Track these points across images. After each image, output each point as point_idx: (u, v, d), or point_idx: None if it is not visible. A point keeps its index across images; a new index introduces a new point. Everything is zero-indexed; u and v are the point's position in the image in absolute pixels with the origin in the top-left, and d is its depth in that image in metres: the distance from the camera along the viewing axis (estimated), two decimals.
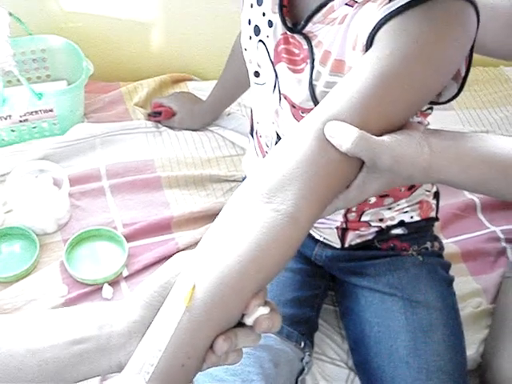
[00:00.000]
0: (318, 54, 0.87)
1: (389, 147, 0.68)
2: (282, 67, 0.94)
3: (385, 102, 0.70)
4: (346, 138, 0.67)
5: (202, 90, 1.63)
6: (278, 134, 1.03)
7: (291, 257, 0.67)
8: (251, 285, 0.62)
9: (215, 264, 0.62)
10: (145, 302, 0.64)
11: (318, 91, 0.89)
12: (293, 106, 0.95)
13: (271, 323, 0.63)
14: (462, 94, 0.85)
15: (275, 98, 0.99)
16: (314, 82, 0.89)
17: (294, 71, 0.93)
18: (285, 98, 0.96)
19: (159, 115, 1.55)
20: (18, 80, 1.46)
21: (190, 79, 1.74)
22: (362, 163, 0.70)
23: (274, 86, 0.98)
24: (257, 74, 1.02)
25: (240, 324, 0.63)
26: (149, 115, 1.57)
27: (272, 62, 0.96)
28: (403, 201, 1.08)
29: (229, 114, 1.59)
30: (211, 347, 0.61)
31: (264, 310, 0.63)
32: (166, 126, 1.56)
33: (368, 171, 0.71)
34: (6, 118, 1.40)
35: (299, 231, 0.66)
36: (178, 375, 0.61)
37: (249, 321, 0.63)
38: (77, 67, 1.49)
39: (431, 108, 0.96)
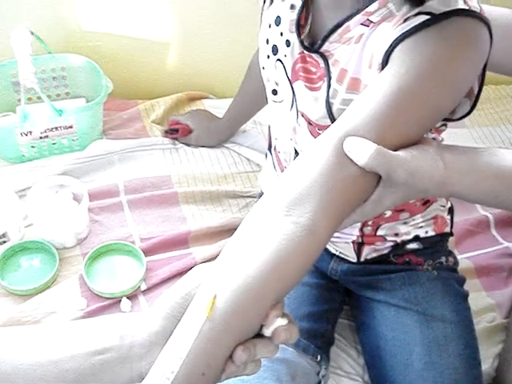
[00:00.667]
0: (335, 73, 0.89)
1: (404, 161, 0.70)
2: (300, 85, 0.96)
3: (399, 120, 0.73)
4: (363, 152, 0.69)
5: (218, 107, 1.65)
6: (296, 150, 1.05)
7: (309, 268, 0.69)
8: (271, 294, 0.64)
9: (236, 274, 0.64)
10: (166, 313, 0.66)
11: (334, 108, 0.91)
12: (309, 123, 0.97)
13: (289, 334, 0.64)
14: (474, 111, 0.87)
15: (293, 115, 1.01)
16: (330, 100, 0.91)
17: (311, 89, 0.95)
18: (302, 115, 0.98)
19: (176, 132, 1.57)
20: (38, 97, 1.49)
21: (206, 97, 1.76)
22: (379, 178, 0.72)
23: (292, 104, 1.00)
24: (274, 92, 1.04)
25: (258, 335, 0.65)
26: (166, 132, 1.59)
27: (289, 81, 0.98)
28: (418, 216, 1.09)
29: (244, 132, 1.61)
30: (230, 357, 0.63)
31: (282, 321, 0.64)
32: (183, 143, 1.58)
33: (384, 185, 0.73)
34: (26, 134, 1.43)
35: (317, 243, 0.68)
36: (199, 383, 0.62)
37: (267, 331, 0.64)
38: (95, 85, 1.52)
39: (445, 125, 0.97)
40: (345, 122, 0.73)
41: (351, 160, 0.69)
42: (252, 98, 1.44)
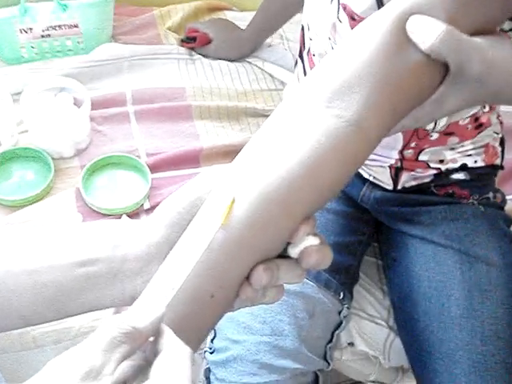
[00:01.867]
0: None
1: (481, 49, 0.56)
2: None
3: None
4: (430, 33, 0.53)
5: (242, 20, 1.49)
6: None
7: (351, 175, 0.54)
8: (302, 205, 0.50)
9: (260, 176, 0.50)
10: (170, 221, 0.52)
11: None
12: (352, 17, 0.83)
13: (321, 257, 0.50)
14: None
15: (333, 8, 0.86)
16: None
17: None
18: (344, 8, 0.84)
19: (193, 41, 1.43)
20: None
21: (229, 8, 1.60)
22: (446, 72, 0.57)
23: None
24: None
25: (282, 257, 0.51)
26: (182, 41, 1.45)
27: None
28: (468, 142, 0.96)
29: (270, 46, 1.46)
30: (248, 278, 0.49)
31: (314, 241, 0.50)
32: (201, 54, 1.43)
33: (452, 80, 0.57)
34: (26, 31, 1.29)
35: (365, 144, 0.53)
36: (206, 308, 0.49)
37: (294, 252, 0.50)
38: None
39: None
40: None
41: (414, 44, 0.54)
42: (281, 4, 1.31)
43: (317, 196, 0.51)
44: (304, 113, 0.53)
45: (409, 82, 0.55)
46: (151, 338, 0.43)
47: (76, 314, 0.52)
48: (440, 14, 0.55)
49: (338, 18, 0.86)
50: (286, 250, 0.51)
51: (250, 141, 0.54)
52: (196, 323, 0.48)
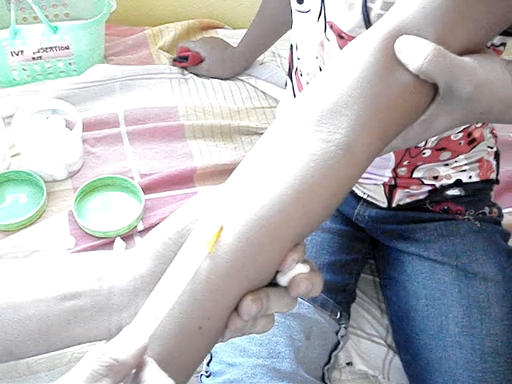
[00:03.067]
0: None
1: (471, 69, 0.54)
2: None
3: (467, 16, 0.56)
4: (418, 53, 0.52)
5: (234, 37, 1.49)
6: (321, 71, 0.89)
7: (341, 199, 0.53)
8: (291, 231, 0.49)
9: (248, 204, 0.48)
10: (156, 252, 0.51)
11: (373, 14, 0.76)
12: (340, 35, 0.82)
13: (310, 285, 0.49)
14: None
15: (320, 27, 0.86)
16: (368, 4, 0.76)
17: None
18: (331, 26, 0.83)
19: (186, 60, 1.42)
20: (35, 17, 1.35)
21: (221, 26, 1.60)
22: (435, 93, 0.56)
23: (320, 13, 0.85)
24: (300, 1, 0.89)
25: (272, 285, 0.50)
26: (174, 60, 1.44)
27: None
28: (462, 157, 0.95)
29: (262, 63, 1.46)
30: (236, 309, 0.48)
31: (303, 268, 0.49)
32: (193, 73, 1.42)
33: (441, 100, 0.56)
34: (17, 54, 1.28)
35: (355, 167, 0.52)
36: (193, 340, 0.47)
37: (284, 280, 0.49)
38: (99, 6, 1.36)
39: (504, 44, 0.82)
40: (394, 15, 0.56)
41: (403, 65, 0.53)
42: (271, 23, 1.30)
43: (306, 222, 0.50)
44: (293, 137, 0.52)
45: (398, 102, 0.54)
46: (134, 370, 0.42)
47: (62, 348, 0.51)
48: (428, 33, 0.54)
49: (325, 36, 0.85)
50: (276, 277, 0.50)
51: (239, 166, 0.53)
52: (184, 356, 0.47)
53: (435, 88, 0.55)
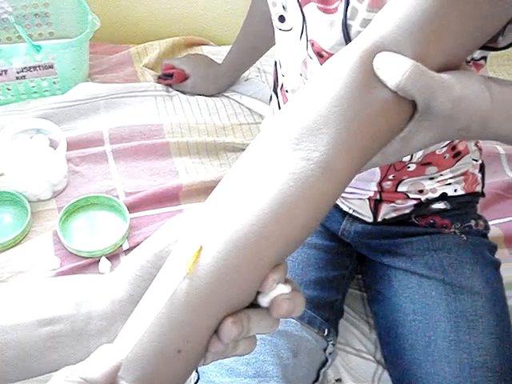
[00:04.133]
0: None
1: (449, 86, 0.54)
2: (312, 8, 0.81)
3: (444, 32, 0.55)
4: (396, 69, 0.52)
5: (219, 54, 1.49)
6: None
7: (322, 218, 0.52)
8: (271, 252, 0.48)
9: (227, 224, 0.48)
10: (134, 276, 0.50)
11: (352, 31, 0.77)
12: (320, 54, 0.82)
13: (292, 306, 0.48)
14: None
15: (302, 45, 0.86)
16: (348, 22, 0.76)
17: (326, 11, 0.80)
18: (312, 44, 0.83)
19: (170, 78, 1.41)
20: (18, 37, 1.35)
21: (206, 43, 1.60)
22: (414, 110, 0.56)
23: (302, 32, 0.85)
24: (282, 19, 0.88)
25: (253, 306, 0.49)
26: (159, 78, 1.44)
27: (299, 3, 0.82)
28: (447, 170, 0.95)
29: (247, 80, 1.46)
30: (216, 331, 0.47)
31: (284, 289, 0.48)
32: (178, 91, 1.42)
33: (419, 118, 0.56)
34: (1, 74, 1.27)
35: (335, 185, 0.51)
36: (173, 364, 0.46)
37: (264, 301, 0.48)
38: (82, 25, 1.36)
39: (485, 58, 0.82)
40: (373, 31, 0.56)
41: (381, 81, 0.53)
42: (255, 39, 1.30)
43: (286, 242, 0.49)
44: (272, 156, 0.51)
45: (377, 119, 0.53)
46: None
47: (41, 374, 0.50)
48: (406, 50, 0.53)
49: (307, 54, 0.85)
50: (257, 298, 0.49)
51: (219, 185, 0.53)
52: (163, 380, 0.46)
53: (414, 105, 0.55)
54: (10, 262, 1.06)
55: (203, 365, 0.49)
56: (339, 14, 0.77)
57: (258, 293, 0.49)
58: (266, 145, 0.52)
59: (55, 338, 0.49)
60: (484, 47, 0.73)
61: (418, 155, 0.88)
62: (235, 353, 0.49)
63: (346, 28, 0.77)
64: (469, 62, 0.81)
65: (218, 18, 1.64)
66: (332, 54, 0.78)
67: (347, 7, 0.76)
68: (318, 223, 0.52)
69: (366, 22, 0.73)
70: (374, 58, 0.53)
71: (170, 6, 1.61)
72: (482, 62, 0.82)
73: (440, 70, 0.55)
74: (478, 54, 0.80)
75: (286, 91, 0.96)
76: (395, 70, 0.52)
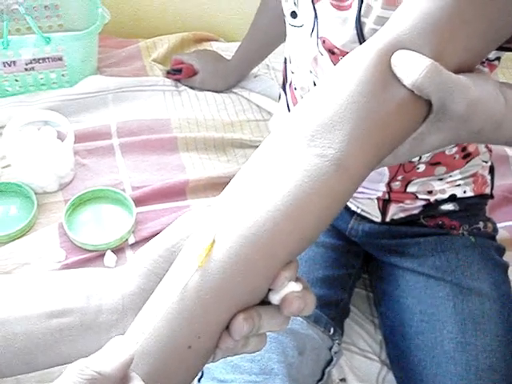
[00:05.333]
0: None
1: (465, 87, 0.54)
2: (324, 5, 0.81)
3: (462, 33, 0.55)
4: (414, 68, 0.52)
5: (228, 50, 1.48)
6: (315, 85, 0.88)
7: (335, 215, 0.51)
8: (284, 248, 0.47)
9: (240, 219, 0.47)
10: (146, 270, 0.50)
11: (366, 29, 0.76)
12: (332, 51, 0.82)
13: (303, 304, 0.48)
14: None
15: (313, 42, 0.85)
16: (362, 19, 0.76)
17: (339, 8, 0.79)
18: (323, 42, 0.83)
19: (179, 73, 1.41)
20: (28, 28, 1.34)
21: (215, 39, 1.60)
22: (428, 110, 0.55)
23: (313, 29, 0.84)
24: (294, 15, 0.88)
25: (264, 303, 0.49)
26: (168, 72, 1.43)
27: (312, 0, 0.82)
28: (456, 172, 0.95)
29: (256, 76, 1.45)
30: (227, 328, 0.47)
31: (296, 287, 0.48)
32: (186, 86, 1.42)
33: (433, 118, 0.56)
34: (9, 65, 1.27)
35: (348, 183, 0.51)
36: (183, 359, 0.46)
37: (275, 298, 0.48)
38: (92, 18, 1.35)
39: (499, 58, 0.82)
40: (390, 29, 0.55)
41: (398, 80, 0.53)
42: (265, 35, 1.29)
43: (299, 239, 0.48)
44: (287, 152, 0.51)
45: (392, 118, 0.53)
46: None
47: (49, 367, 0.50)
48: (424, 48, 0.53)
49: (319, 51, 0.85)
50: (268, 295, 0.49)
51: (233, 180, 0.52)
52: (173, 375, 0.45)
53: (429, 105, 0.54)
54: (16, 253, 1.06)
55: (212, 362, 0.49)
56: (353, 11, 0.77)
57: (269, 290, 0.48)
58: (281, 141, 0.52)
59: (64, 331, 0.48)
60: (500, 48, 0.72)
61: (427, 154, 0.88)
62: (245, 350, 0.49)
63: (359, 25, 0.76)
64: (483, 62, 0.80)
65: (228, 15, 1.64)
66: (344, 51, 0.79)
67: (361, 4, 0.75)
68: (330, 221, 0.51)
69: (380, 20, 0.73)
70: (392, 55, 0.53)
71: (180, 1, 1.61)
72: (496, 62, 0.82)
73: (456, 72, 0.54)
74: (492, 55, 0.80)
75: (295, 88, 0.96)
76: (413, 67, 0.52)
